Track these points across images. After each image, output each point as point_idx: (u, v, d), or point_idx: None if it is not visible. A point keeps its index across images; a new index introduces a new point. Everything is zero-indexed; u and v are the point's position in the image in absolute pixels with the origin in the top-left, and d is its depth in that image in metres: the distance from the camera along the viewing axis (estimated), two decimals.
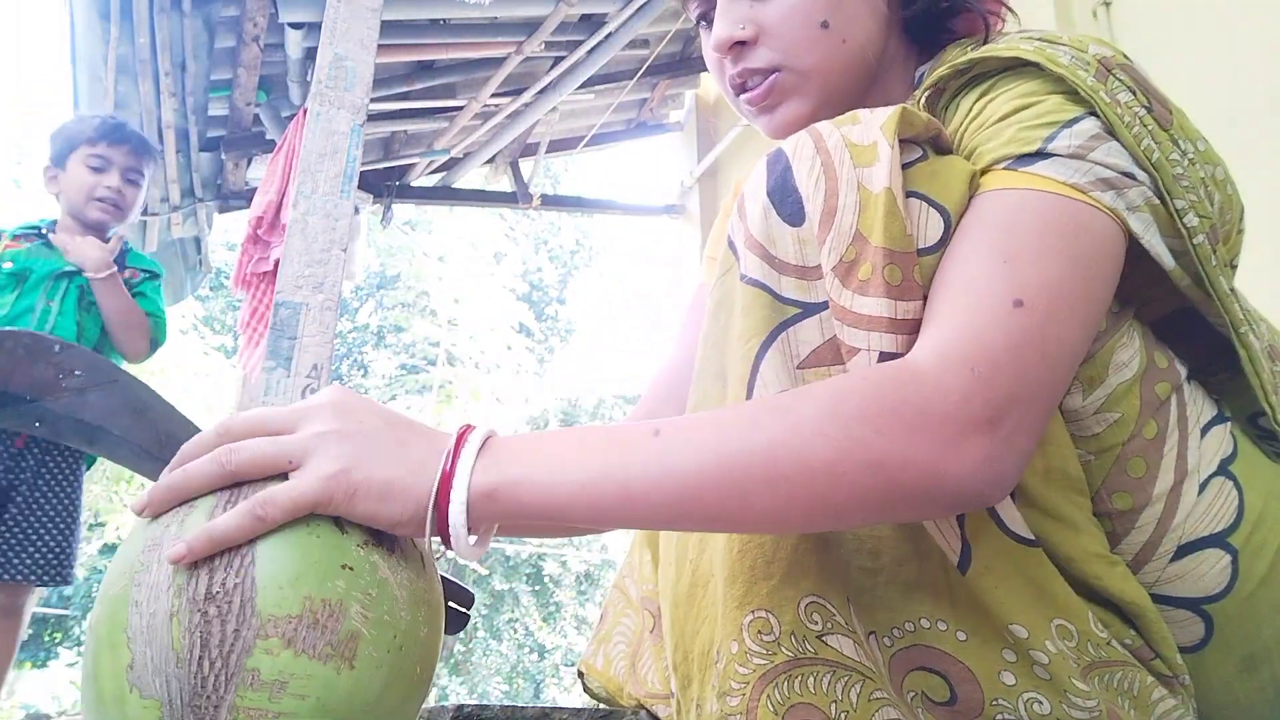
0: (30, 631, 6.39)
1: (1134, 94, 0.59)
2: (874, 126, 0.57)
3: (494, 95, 3.89)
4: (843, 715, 0.53)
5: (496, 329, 12.02)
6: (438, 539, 0.50)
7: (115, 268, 2.03)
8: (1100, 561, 0.56)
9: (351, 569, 0.48)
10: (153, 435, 0.60)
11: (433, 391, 11.29)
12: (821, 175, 0.56)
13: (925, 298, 0.54)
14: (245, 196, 3.94)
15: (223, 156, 3.84)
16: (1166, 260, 0.58)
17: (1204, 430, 0.59)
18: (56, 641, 9.27)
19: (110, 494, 8.53)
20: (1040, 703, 0.53)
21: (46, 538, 1.86)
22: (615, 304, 15.70)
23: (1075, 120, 0.57)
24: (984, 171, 0.58)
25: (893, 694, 0.54)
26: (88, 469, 2.09)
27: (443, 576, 0.69)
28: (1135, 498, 0.57)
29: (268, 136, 3.67)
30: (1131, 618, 0.56)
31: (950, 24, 0.74)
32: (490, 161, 4.67)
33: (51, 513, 1.88)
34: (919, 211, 0.55)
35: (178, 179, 3.79)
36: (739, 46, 0.72)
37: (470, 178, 4.81)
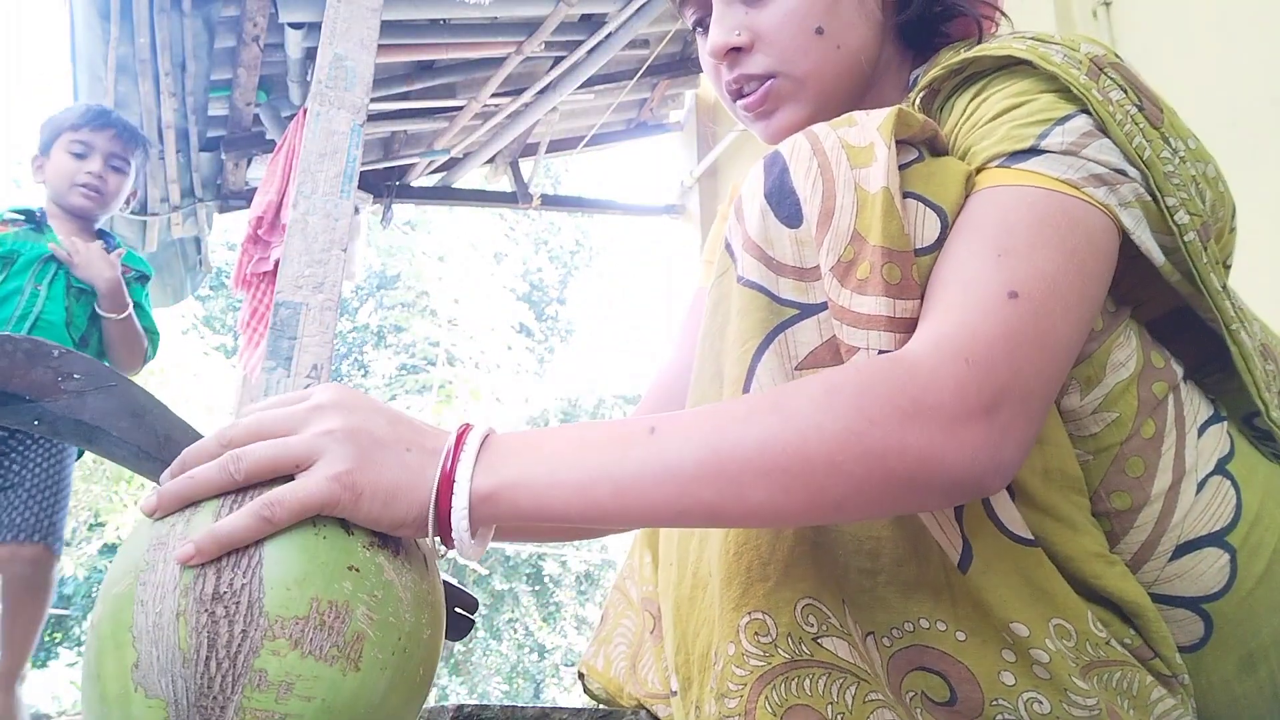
0: None
1: (1125, 92, 0.59)
2: (870, 128, 0.57)
3: (494, 95, 3.89)
4: (839, 717, 0.53)
5: (496, 329, 12.02)
6: (438, 538, 0.51)
7: (130, 305, 2.02)
8: (1099, 561, 0.56)
9: (358, 570, 0.49)
10: (151, 437, 0.60)
11: (433, 391, 11.29)
12: (818, 177, 0.56)
13: (923, 297, 0.54)
14: (245, 196, 3.94)
15: (223, 156, 3.84)
16: (1156, 256, 0.58)
17: (1201, 429, 0.60)
18: (56, 641, 9.28)
19: (110, 494, 8.53)
20: (1040, 702, 0.53)
21: (30, 500, 1.89)
22: (615, 304, 15.71)
23: (1068, 118, 0.57)
24: (978, 170, 0.58)
25: (890, 695, 0.54)
26: (79, 456, 2.10)
27: (448, 582, 0.70)
28: (1134, 497, 0.58)
29: (268, 136, 3.67)
30: (1131, 617, 0.56)
31: (944, 28, 0.74)
32: (490, 161, 4.67)
33: (35, 480, 1.91)
34: (916, 212, 0.56)
35: (178, 179, 3.79)
36: (735, 53, 0.73)
37: (470, 178, 4.81)
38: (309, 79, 2.81)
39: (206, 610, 0.45)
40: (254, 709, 0.44)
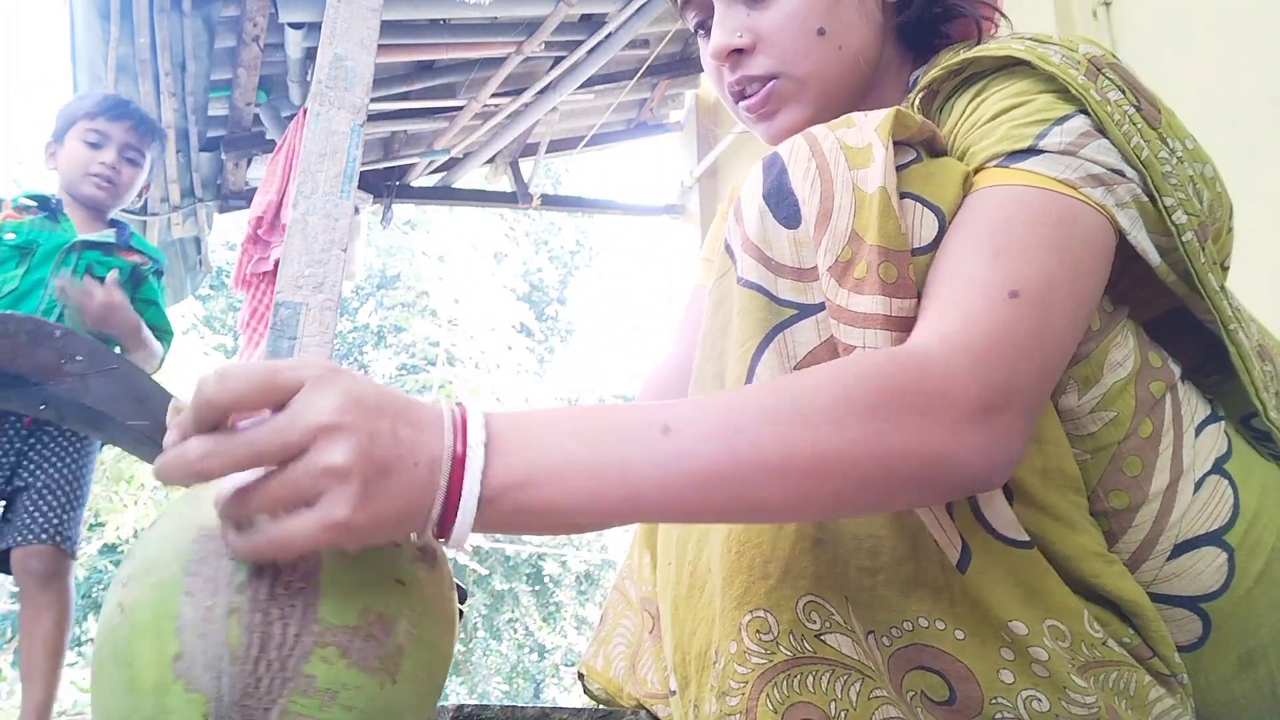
0: None
1: (1123, 93, 0.59)
2: (868, 129, 0.57)
3: (494, 95, 3.89)
4: (842, 714, 0.53)
5: (497, 329, 12.02)
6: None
7: (140, 328, 1.95)
8: (1098, 560, 0.56)
9: (404, 584, 0.49)
10: (154, 421, 0.60)
11: (433, 391, 11.29)
12: (817, 178, 0.56)
13: (919, 296, 0.54)
14: (245, 196, 3.94)
15: (223, 156, 3.85)
16: (1152, 257, 0.59)
17: (1199, 429, 0.60)
18: None
19: (110, 494, 8.53)
20: (1039, 700, 0.53)
21: (50, 499, 1.85)
22: (615, 304, 15.72)
23: (1066, 118, 0.58)
24: (977, 170, 0.59)
25: (892, 693, 0.54)
26: (100, 449, 2.06)
27: None
28: (1131, 496, 0.58)
29: (268, 136, 3.67)
30: (1129, 616, 0.56)
31: (944, 29, 0.75)
32: (490, 161, 4.67)
33: (54, 481, 1.87)
34: (913, 212, 0.56)
35: (178, 179, 3.79)
36: (737, 54, 0.73)
37: (470, 178, 4.81)
38: (309, 79, 2.81)
39: (261, 610, 0.45)
40: (297, 714, 0.44)
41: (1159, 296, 0.62)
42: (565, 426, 0.48)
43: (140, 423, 0.59)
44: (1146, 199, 0.58)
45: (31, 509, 1.83)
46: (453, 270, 12.20)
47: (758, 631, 0.54)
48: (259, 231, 3.08)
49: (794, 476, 0.47)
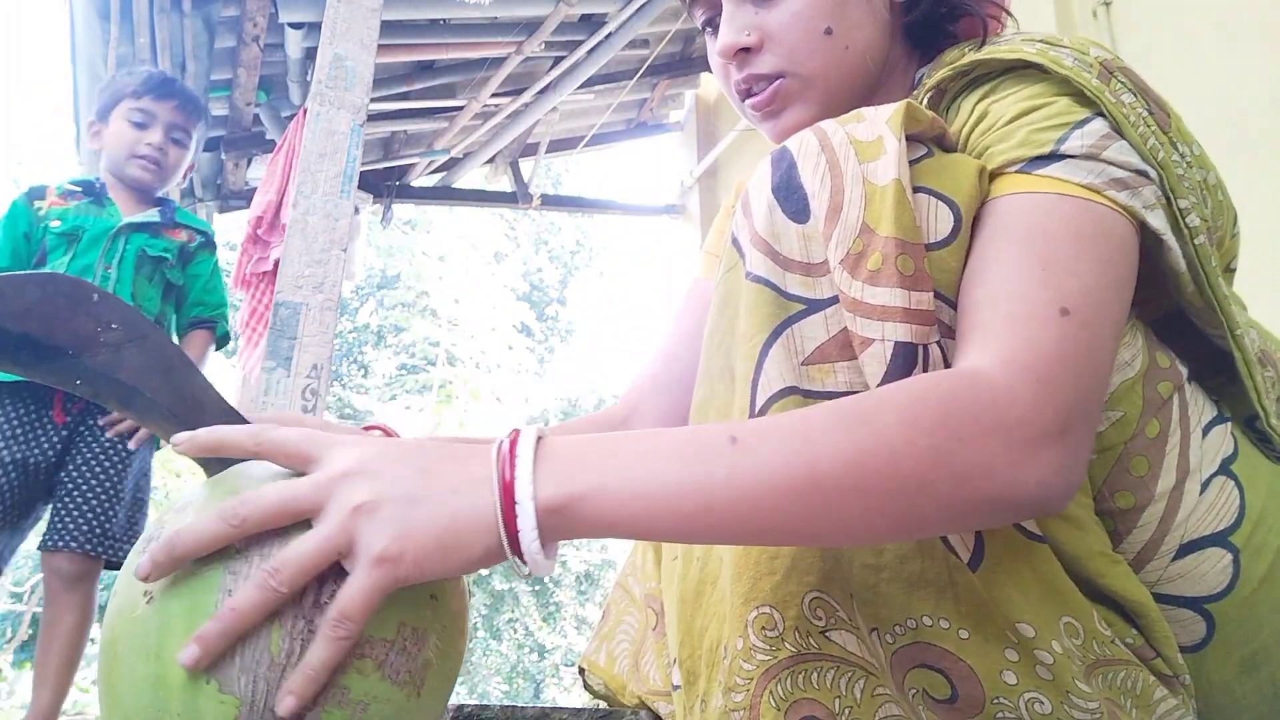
0: (30, 632, 6.38)
1: (1135, 96, 0.59)
2: (879, 122, 0.57)
3: (494, 95, 3.89)
4: (846, 711, 0.53)
5: (497, 329, 12.03)
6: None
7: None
8: (1103, 560, 0.56)
9: (437, 600, 0.49)
10: (180, 399, 0.59)
11: (432, 391, 11.29)
12: (826, 172, 0.56)
13: (935, 292, 0.54)
14: (245, 196, 3.94)
15: (223, 156, 3.85)
16: (1178, 261, 0.58)
17: (1205, 430, 0.60)
18: None
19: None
20: (1041, 702, 0.53)
21: (84, 504, 1.81)
22: (615, 304, 15.71)
23: (1085, 121, 0.57)
24: (995, 174, 0.58)
25: (894, 690, 0.54)
26: (157, 448, 1.99)
27: None
28: (1137, 496, 0.58)
29: (268, 136, 3.68)
30: (1134, 617, 0.56)
31: (950, 28, 0.74)
32: (490, 161, 4.67)
33: (92, 484, 1.82)
34: (927, 206, 0.56)
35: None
36: (744, 52, 0.73)
37: (470, 178, 4.81)
38: (309, 79, 2.81)
39: (305, 618, 0.44)
40: None
41: (1160, 298, 0.62)
42: (622, 439, 0.49)
43: (167, 398, 0.59)
44: (1165, 201, 0.58)
45: (64, 513, 1.81)
46: (453, 270, 12.20)
47: (763, 628, 0.54)
48: (259, 231, 3.08)
49: (869, 494, 0.46)
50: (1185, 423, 0.59)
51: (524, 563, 0.46)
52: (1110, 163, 0.56)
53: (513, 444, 0.48)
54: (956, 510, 0.48)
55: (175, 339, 2.02)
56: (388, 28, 2.92)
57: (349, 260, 2.10)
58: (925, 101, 0.68)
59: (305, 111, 2.31)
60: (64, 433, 1.84)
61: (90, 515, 1.80)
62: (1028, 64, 0.61)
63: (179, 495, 0.51)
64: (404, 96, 3.84)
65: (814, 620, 0.54)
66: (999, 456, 0.47)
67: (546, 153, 4.72)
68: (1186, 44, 2.16)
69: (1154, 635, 0.56)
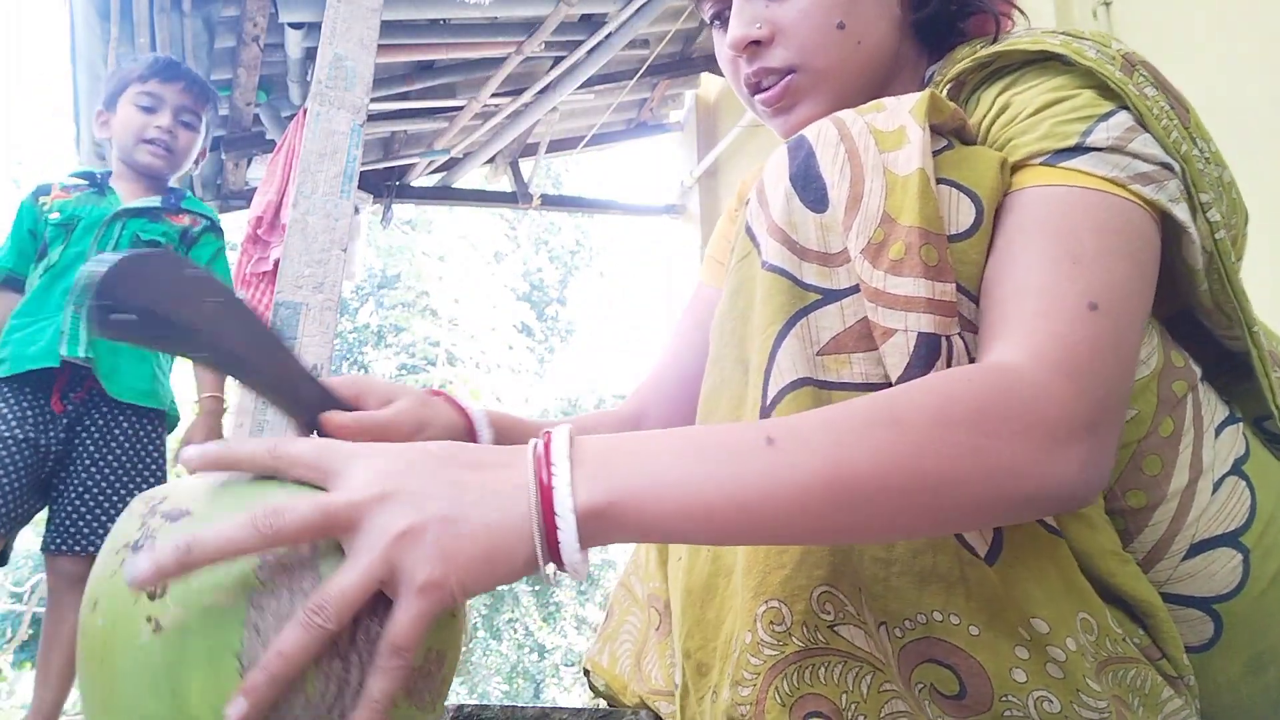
0: (30, 632, 6.37)
1: (1156, 89, 0.59)
2: (902, 111, 0.57)
3: (494, 95, 3.89)
4: (852, 706, 0.53)
5: (497, 329, 12.03)
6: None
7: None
8: (1114, 558, 0.56)
9: (455, 616, 0.49)
10: (275, 366, 0.59)
11: None
12: (846, 162, 0.56)
13: (957, 284, 0.54)
14: (245, 196, 3.94)
15: (223, 156, 3.85)
16: (1196, 258, 0.58)
17: (1218, 429, 0.59)
18: None
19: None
20: (1050, 701, 0.52)
21: (85, 505, 1.78)
22: (615, 304, 15.72)
23: (1110, 114, 0.57)
24: (1019, 165, 0.58)
25: (901, 686, 0.54)
26: (169, 431, 1.94)
27: None
28: (1149, 495, 0.57)
29: (268, 136, 3.67)
30: (1141, 616, 0.56)
31: (961, 25, 0.74)
32: (490, 161, 4.67)
33: (94, 483, 1.79)
34: (949, 197, 0.55)
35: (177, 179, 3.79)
36: (754, 46, 0.72)
37: (470, 178, 4.81)
38: (309, 79, 2.81)
39: (341, 656, 0.43)
40: None
41: (1171, 297, 0.62)
42: (657, 440, 0.48)
43: (268, 369, 0.59)
44: (1188, 195, 0.58)
45: (66, 514, 1.78)
46: (453, 270, 12.20)
47: (771, 623, 0.54)
48: (259, 231, 3.08)
49: (905, 493, 0.46)
50: (1199, 422, 0.59)
51: (563, 569, 0.45)
52: (1135, 156, 0.56)
53: (547, 449, 0.46)
54: (989, 507, 0.48)
55: None
56: (388, 28, 2.92)
57: (349, 260, 2.10)
58: (945, 94, 0.67)
59: (305, 111, 2.31)
60: (64, 421, 1.81)
61: (90, 516, 1.78)
62: (1049, 56, 0.60)
63: (159, 495, 0.47)
64: (404, 96, 3.84)
65: (822, 615, 0.54)
66: (1031, 453, 0.47)
67: (546, 153, 4.72)
68: (1187, 44, 2.16)
69: (1161, 635, 0.56)
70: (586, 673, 0.84)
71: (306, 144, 1.90)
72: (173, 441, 1.99)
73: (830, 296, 0.55)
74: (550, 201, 5.07)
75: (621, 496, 0.45)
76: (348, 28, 1.98)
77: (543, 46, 3.63)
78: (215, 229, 2.03)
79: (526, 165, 4.80)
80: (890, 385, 0.54)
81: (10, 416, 1.76)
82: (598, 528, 0.45)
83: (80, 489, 1.80)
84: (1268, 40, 1.98)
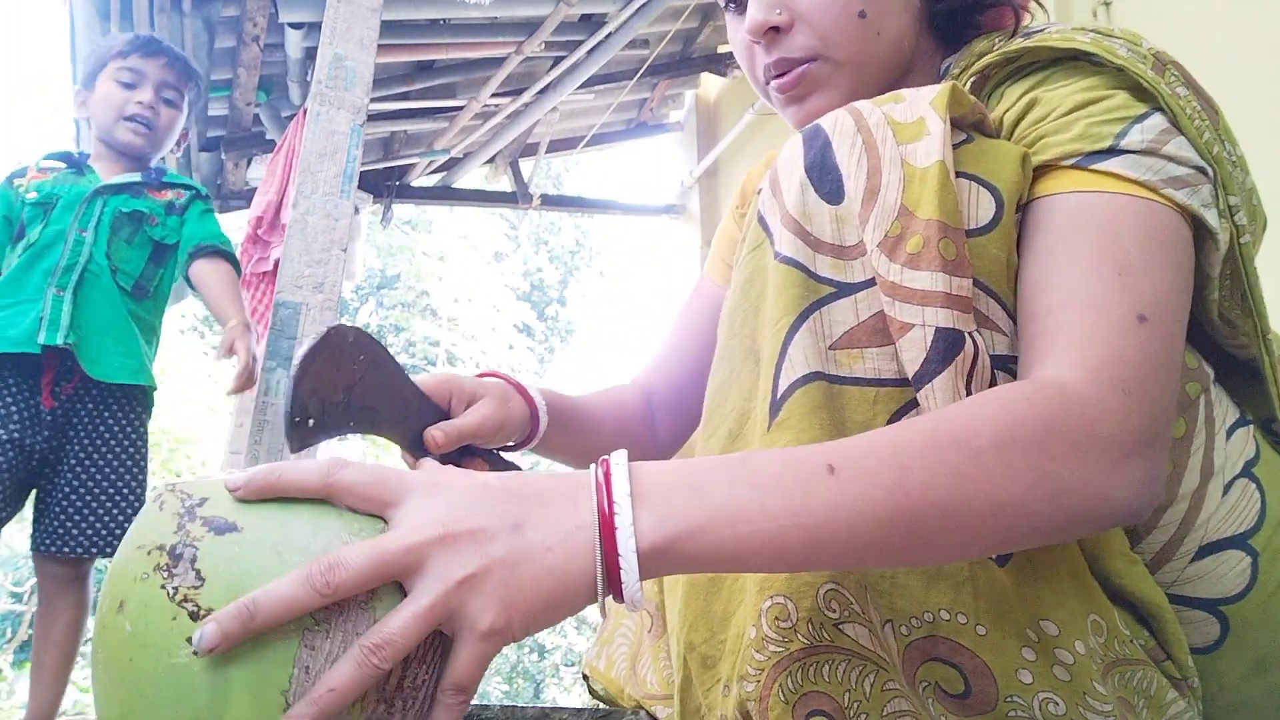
0: (30, 633, 6.38)
1: (1188, 89, 0.58)
2: (921, 103, 0.56)
3: (494, 95, 3.89)
4: (855, 704, 0.53)
5: (497, 329, 12.03)
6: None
7: (241, 317, 1.81)
8: (1122, 560, 0.55)
9: None
10: (398, 400, 0.60)
11: None
12: (863, 153, 0.55)
13: (973, 278, 0.53)
14: (245, 196, 3.94)
15: (223, 156, 3.84)
16: (1215, 266, 0.58)
17: (1229, 431, 0.59)
18: None
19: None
20: (1056, 704, 0.52)
21: (73, 506, 1.75)
22: (615, 304, 15.71)
23: (1145, 116, 0.56)
24: (1048, 165, 0.57)
25: (904, 685, 0.54)
26: (149, 409, 1.90)
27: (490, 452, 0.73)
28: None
29: (268, 136, 3.67)
30: (1148, 618, 0.56)
31: (978, 18, 0.73)
32: (490, 161, 4.67)
33: (83, 483, 1.76)
34: (969, 191, 0.55)
35: None
36: (773, 32, 0.71)
37: (470, 178, 4.81)
38: (309, 79, 2.81)
39: (385, 700, 0.43)
40: None
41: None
42: (717, 470, 0.47)
43: (393, 407, 0.60)
44: (1216, 199, 0.57)
45: (55, 515, 1.75)
46: (453, 270, 12.20)
47: (776, 619, 0.53)
48: (259, 231, 3.08)
49: (969, 519, 0.46)
50: (1211, 424, 0.58)
51: (620, 602, 0.45)
52: (1169, 159, 0.55)
53: (608, 482, 0.46)
54: (1051, 526, 0.47)
55: (185, 280, 1.93)
56: (388, 28, 2.92)
57: (349, 260, 2.10)
58: (968, 87, 0.67)
59: (305, 111, 2.31)
60: (50, 419, 1.76)
61: (79, 518, 1.75)
62: (1078, 54, 0.60)
63: (193, 492, 0.46)
64: (404, 96, 3.84)
65: (828, 612, 0.53)
66: (1093, 473, 0.47)
67: (546, 153, 4.72)
68: (1187, 44, 2.15)
69: (1167, 637, 0.56)
70: (586, 678, 0.83)
71: (306, 144, 1.90)
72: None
73: (844, 290, 0.54)
74: (550, 201, 5.07)
75: (684, 533, 0.45)
76: (348, 28, 1.98)
77: (543, 46, 3.63)
78: (201, 196, 1.97)
79: (526, 165, 4.79)
80: (904, 381, 0.53)
81: None
82: (659, 563, 0.45)
83: (68, 490, 1.76)
84: (1268, 40, 1.98)
